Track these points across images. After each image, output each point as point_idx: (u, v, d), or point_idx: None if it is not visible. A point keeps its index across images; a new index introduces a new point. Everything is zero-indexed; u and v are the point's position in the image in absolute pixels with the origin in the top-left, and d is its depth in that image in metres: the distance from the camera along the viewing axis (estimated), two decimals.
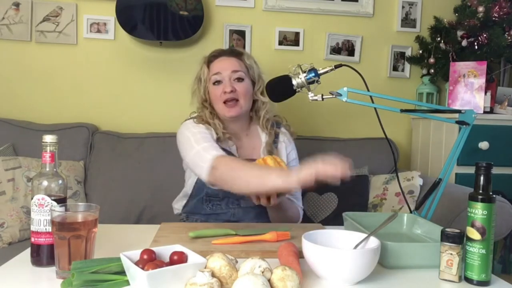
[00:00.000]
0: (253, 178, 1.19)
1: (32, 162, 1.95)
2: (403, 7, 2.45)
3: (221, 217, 1.51)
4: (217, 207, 1.52)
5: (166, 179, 2.01)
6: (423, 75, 2.43)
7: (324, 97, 1.24)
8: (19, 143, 2.07)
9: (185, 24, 2.19)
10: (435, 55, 2.31)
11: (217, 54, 1.57)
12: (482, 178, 0.97)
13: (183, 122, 1.54)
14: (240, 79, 1.52)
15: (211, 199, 1.52)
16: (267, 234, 1.16)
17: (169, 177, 2.00)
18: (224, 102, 1.49)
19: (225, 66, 1.52)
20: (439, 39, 2.30)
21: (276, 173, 1.17)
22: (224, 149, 1.42)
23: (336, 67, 1.28)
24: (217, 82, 1.52)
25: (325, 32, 2.41)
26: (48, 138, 0.98)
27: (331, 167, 1.05)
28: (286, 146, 1.59)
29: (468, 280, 0.95)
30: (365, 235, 0.99)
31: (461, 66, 2.15)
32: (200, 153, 1.33)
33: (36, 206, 0.98)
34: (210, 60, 1.57)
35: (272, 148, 1.54)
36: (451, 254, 0.94)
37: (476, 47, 2.17)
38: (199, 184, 1.51)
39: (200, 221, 1.53)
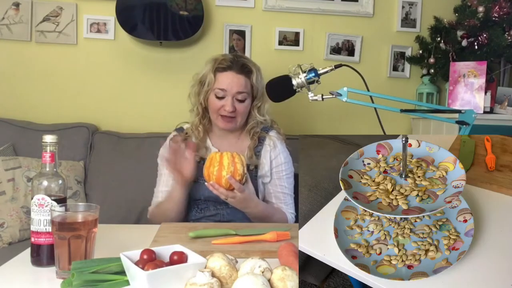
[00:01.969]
0: (166, 205, 1.49)
1: (32, 162, 1.95)
2: (403, 7, 2.45)
3: (211, 219, 1.51)
4: (205, 209, 1.52)
5: None
6: (423, 75, 2.43)
7: (324, 97, 1.24)
8: (19, 143, 2.07)
9: (185, 24, 2.19)
10: (435, 55, 2.31)
11: (227, 67, 1.52)
12: None
13: (172, 131, 1.64)
14: (242, 100, 1.53)
15: (197, 202, 1.54)
16: (267, 234, 1.16)
17: None
18: (221, 115, 1.51)
19: (232, 85, 1.50)
20: (439, 39, 2.30)
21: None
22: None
23: (336, 67, 1.28)
24: (220, 97, 1.51)
25: (325, 32, 2.41)
26: (48, 138, 0.98)
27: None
28: (271, 151, 1.58)
29: None
30: None
31: (461, 66, 2.15)
32: (154, 193, 1.59)
33: (36, 206, 0.98)
34: (218, 69, 1.53)
35: (253, 152, 1.55)
36: None
37: (476, 47, 2.17)
38: None
39: None
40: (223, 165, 1.30)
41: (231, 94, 1.50)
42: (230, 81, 1.51)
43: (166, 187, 1.55)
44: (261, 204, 1.46)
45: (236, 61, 1.55)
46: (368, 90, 1.26)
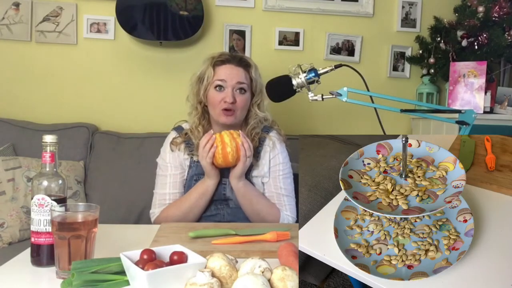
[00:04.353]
0: (195, 201, 1.46)
1: (32, 162, 1.95)
2: (403, 7, 2.45)
3: (211, 219, 1.51)
4: (205, 209, 1.52)
5: None
6: (423, 75, 2.44)
7: (324, 97, 1.24)
8: (19, 143, 2.07)
9: (185, 24, 2.19)
10: (435, 55, 2.31)
11: (225, 60, 1.54)
12: None
13: (170, 131, 1.63)
14: (242, 91, 1.53)
15: None
16: (267, 234, 1.16)
17: None
18: (221, 109, 1.51)
19: (232, 75, 1.51)
20: (439, 39, 2.30)
21: (200, 182, 1.48)
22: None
23: (336, 67, 1.28)
24: (219, 87, 1.51)
25: (325, 32, 2.42)
26: (48, 138, 0.98)
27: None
28: (270, 151, 1.57)
29: None
30: None
31: (461, 66, 2.15)
32: (154, 196, 1.56)
33: (36, 206, 0.98)
34: (216, 63, 1.54)
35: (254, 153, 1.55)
36: None
37: (476, 47, 2.17)
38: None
39: None
40: (226, 143, 1.40)
41: (231, 85, 1.50)
42: (229, 72, 1.52)
43: (175, 189, 1.53)
44: (252, 185, 1.50)
45: (234, 56, 1.58)
46: (368, 90, 1.26)
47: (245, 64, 1.56)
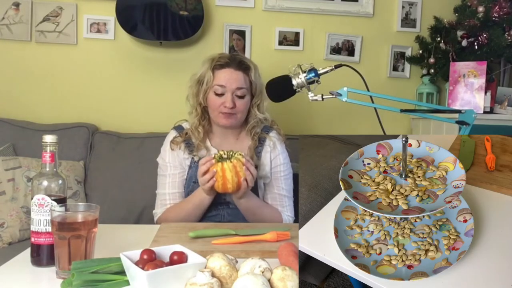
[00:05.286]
0: (191, 210, 1.46)
1: (32, 162, 1.95)
2: (403, 7, 2.45)
3: (212, 219, 1.51)
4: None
5: None
6: (423, 75, 2.44)
7: (324, 97, 1.24)
8: (19, 143, 2.07)
9: (185, 24, 2.19)
10: (435, 55, 2.31)
11: (225, 64, 1.52)
12: None
13: (170, 130, 1.62)
14: (242, 96, 1.52)
15: None
16: (267, 234, 1.16)
17: None
18: (221, 112, 1.51)
19: (231, 81, 1.50)
20: (439, 39, 2.30)
21: (198, 192, 1.44)
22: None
23: (336, 67, 1.28)
24: (219, 94, 1.51)
25: (325, 32, 2.42)
26: (48, 138, 0.98)
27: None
28: (271, 151, 1.58)
29: None
30: None
31: (461, 66, 2.15)
32: (157, 196, 1.57)
33: (36, 206, 0.98)
34: (216, 67, 1.53)
35: (253, 153, 1.55)
36: None
37: (476, 47, 2.17)
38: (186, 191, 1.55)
39: None
40: (227, 179, 1.34)
41: (230, 90, 1.50)
42: (229, 77, 1.51)
43: (174, 189, 1.53)
44: (254, 196, 1.48)
45: (234, 58, 1.56)
46: (368, 90, 1.26)
47: (244, 67, 1.54)
